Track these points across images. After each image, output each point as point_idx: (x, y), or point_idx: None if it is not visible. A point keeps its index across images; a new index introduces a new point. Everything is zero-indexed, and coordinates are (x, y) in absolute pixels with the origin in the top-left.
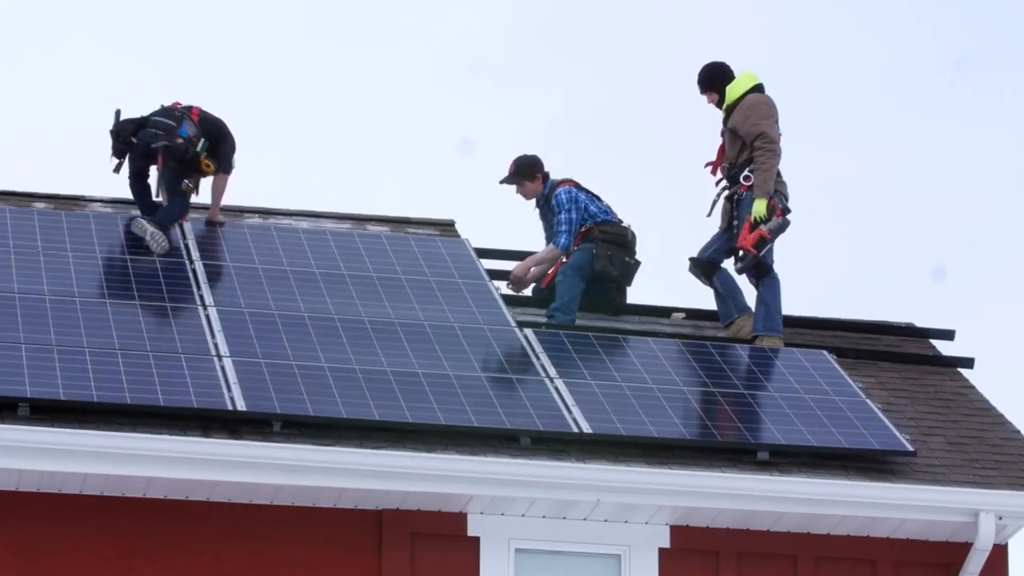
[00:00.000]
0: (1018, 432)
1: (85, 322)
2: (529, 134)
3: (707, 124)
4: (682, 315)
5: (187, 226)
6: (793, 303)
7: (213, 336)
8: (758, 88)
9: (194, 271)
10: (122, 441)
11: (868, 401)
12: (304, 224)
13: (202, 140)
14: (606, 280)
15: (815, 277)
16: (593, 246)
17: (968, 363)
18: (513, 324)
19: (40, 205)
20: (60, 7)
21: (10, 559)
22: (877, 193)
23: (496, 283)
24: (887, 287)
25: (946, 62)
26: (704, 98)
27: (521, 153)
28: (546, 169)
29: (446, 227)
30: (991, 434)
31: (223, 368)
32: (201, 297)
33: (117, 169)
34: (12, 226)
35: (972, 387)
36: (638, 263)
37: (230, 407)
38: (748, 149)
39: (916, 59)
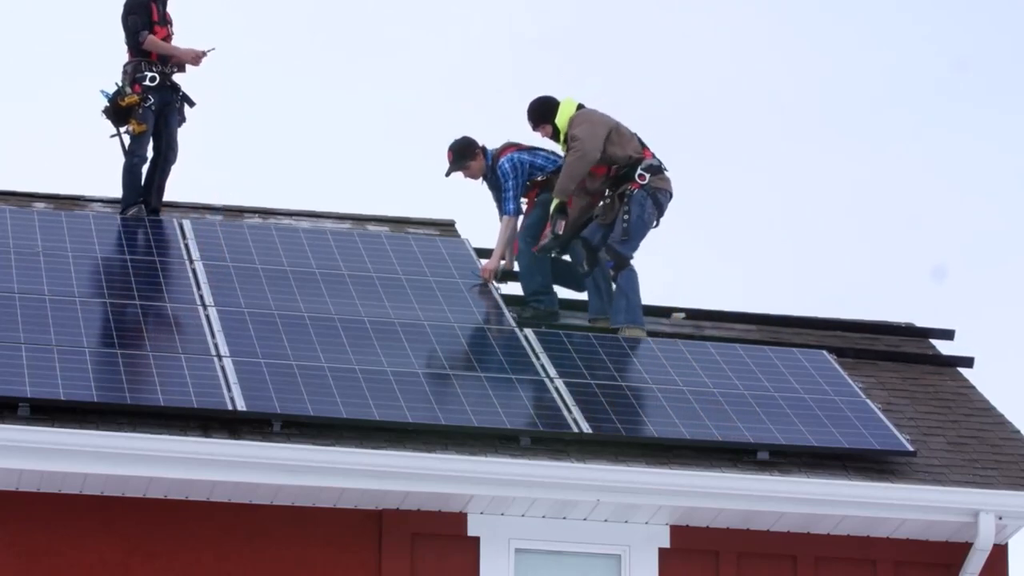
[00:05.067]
0: (1018, 432)
1: (85, 322)
2: (529, 134)
3: (709, 126)
4: (682, 315)
5: (187, 226)
6: (793, 303)
7: (213, 336)
8: (580, 107)
9: (194, 271)
10: (122, 441)
11: (868, 401)
12: (304, 224)
13: (122, 81)
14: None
15: (815, 277)
16: (548, 196)
17: (968, 362)
18: (513, 324)
19: (40, 205)
20: (60, 6)
21: (10, 559)
22: (877, 193)
23: (496, 283)
24: (887, 287)
25: (946, 63)
26: (537, 133)
27: (452, 140)
28: (482, 144)
29: (446, 227)
30: (991, 434)
31: (223, 368)
32: (201, 297)
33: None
34: (12, 226)
35: (972, 387)
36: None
37: (230, 407)
38: (627, 145)
39: (916, 59)
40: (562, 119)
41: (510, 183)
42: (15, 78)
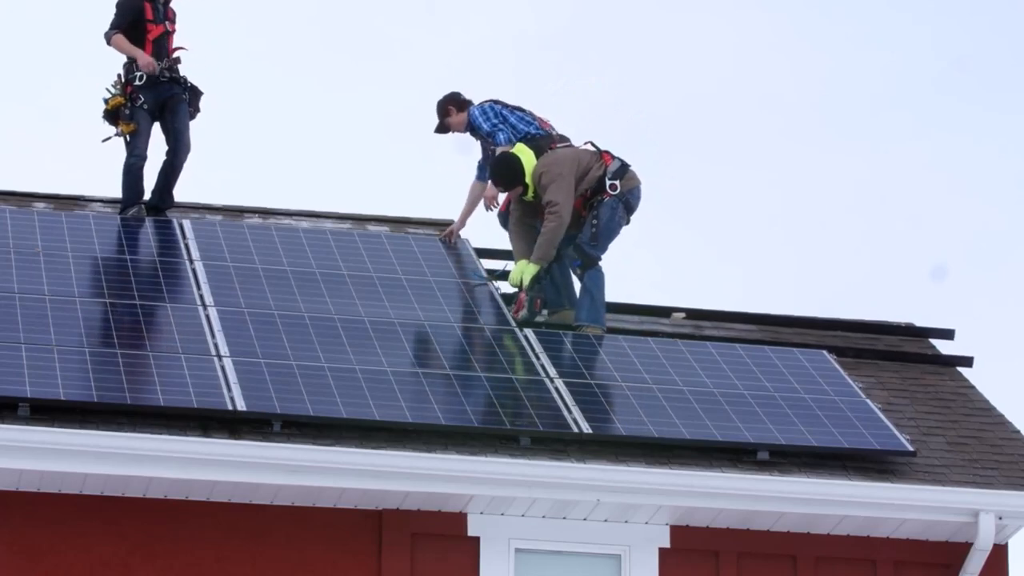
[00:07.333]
0: (1018, 432)
1: (85, 322)
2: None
3: (709, 126)
4: (682, 315)
5: (187, 226)
6: (793, 303)
7: (213, 336)
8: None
9: (194, 271)
10: (122, 441)
11: (868, 401)
12: (304, 224)
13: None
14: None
15: (815, 277)
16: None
17: (968, 362)
18: (513, 324)
19: (40, 205)
20: (61, 6)
21: (10, 559)
22: (877, 193)
23: (496, 283)
24: (887, 287)
25: (946, 62)
26: (508, 195)
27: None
28: (463, 98)
29: (446, 227)
30: (991, 434)
31: (223, 368)
32: (201, 297)
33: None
34: (12, 226)
35: (972, 387)
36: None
37: (230, 407)
38: (591, 171)
39: (916, 59)
40: (529, 170)
41: (485, 124)
42: (15, 78)
